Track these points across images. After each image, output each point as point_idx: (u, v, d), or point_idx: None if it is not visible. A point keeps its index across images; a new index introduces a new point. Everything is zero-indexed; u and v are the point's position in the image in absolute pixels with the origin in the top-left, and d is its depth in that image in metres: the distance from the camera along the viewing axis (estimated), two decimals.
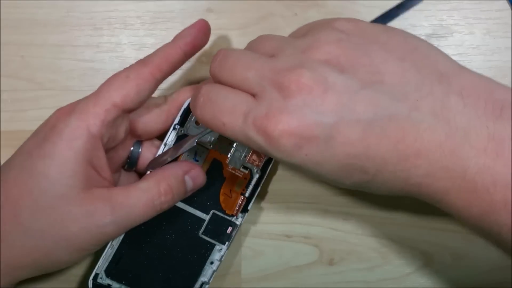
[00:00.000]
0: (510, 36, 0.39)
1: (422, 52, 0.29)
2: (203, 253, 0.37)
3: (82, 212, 0.31)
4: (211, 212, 0.37)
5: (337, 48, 0.28)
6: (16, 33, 0.39)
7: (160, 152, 0.36)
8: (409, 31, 0.39)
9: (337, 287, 0.39)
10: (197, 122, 0.36)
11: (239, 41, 0.39)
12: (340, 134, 0.27)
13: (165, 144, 0.36)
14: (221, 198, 0.37)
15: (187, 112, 0.35)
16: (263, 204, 0.40)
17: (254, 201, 0.37)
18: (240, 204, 0.37)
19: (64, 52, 0.39)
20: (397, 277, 0.39)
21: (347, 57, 0.28)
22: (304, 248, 0.40)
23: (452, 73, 0.29)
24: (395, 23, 0.40)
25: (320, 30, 0.29)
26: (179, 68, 0.39)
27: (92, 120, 0.32)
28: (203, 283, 0.37)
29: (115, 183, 0.36)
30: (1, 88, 0.39)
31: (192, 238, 0.37)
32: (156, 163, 0.35)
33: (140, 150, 0.36)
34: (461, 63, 0.39)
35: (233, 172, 0.37)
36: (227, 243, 0.37)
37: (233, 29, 0.39)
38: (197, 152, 0.36)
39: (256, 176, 0.37)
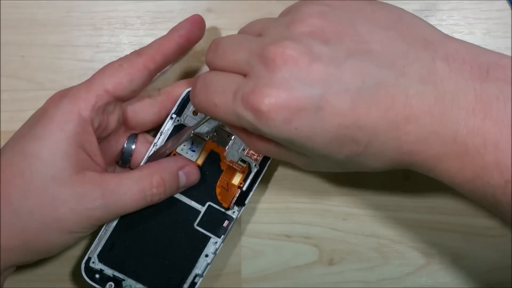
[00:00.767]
0: (510, 36, 0.39)
1: (407, 22, 0.29)
2: (198, 245, 0.37)
3: (72, 194, 0.32)
4: (207, 204, 0.37)
5: (321, 20, 0.28)
6: (16, 33, 0.39)
7: (156, 140, 0.36)
8: None
9: (337, 287, 0.39)
10: (194, 113, 0.36)
11: None
12: (329, 104, 0.27)
13: (161, 133, 0.36)
14: (218, 190, 0.37)
15: (185, 102, 0.36)
16: (263, 204, 0.40)
17: (251, 197, 0.37)
18: (235, 197, 0.37)
19: (64, 52, 0.39)
20: (397, 277, 0.39)
21: (332, 28, 0.28)
22: (304, 248, 0.39)
23: (437, 40, 0.29)
24: None
25: (304, 5, 0.29)
26: (179, 68, 0.39)
27: (83, 105, 0.33)
28: (196, 275, 0.36)
29: None
30: (1, 88, 0.39)
31: (187, 229, 0.36)
32: (155, 158, 0.36)
33: (133, 146, 0.36)
34: None
35: (231, 165, 0.37)
36: (222, 236, 0.37)
37: (233, 29, 0.39)
38: (194, 143, 0.36)
39: (255, 170, 0.37)
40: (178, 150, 0.36)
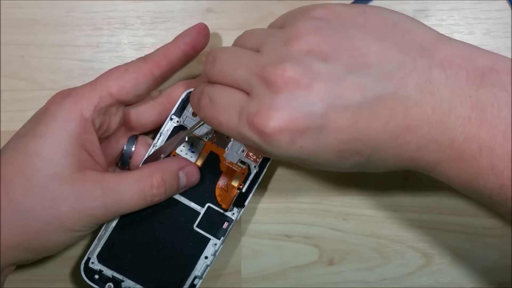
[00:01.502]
0: (510, 36, 0.39)
1: (402, 29, 0.29)
2: (197, 246, 0.36)
3: (73, 192, 0.32)
4: (207, 205, 0.37)
5: (318, 37, 0.28)
6: (16, 33, 0.39)
7: (155, 141, 0.36)
8: None
9: (337, 287, 0.39)
10: (194, 114, 0.36)
11: None
12: (331, 122, 0.27)
13: (161, 134, 0.36)
14: (217, 192, 0.37)
15: (185, 103, 0.36)
16: (263, 204, 0.39)
17: (251, 198, 0.37)
18: (234, 198, 0.37)
19: (64, 52, 0.39)
20: (397, 277, 0.39)
21: (329, 44, 0.28)
22: (304, 248, 0.39)
23: (433, 45, 0.29)
24: None
25: (298, 19, 0.29)
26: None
27: (86, 105, 0.33)
28: (195, 277, 0.36)
29: None
30: (1, 88, 0.39)
31: (187, 231, 0.36)
32: (152, 160, 0.36)
33: (133, 148, 0.36)
34: None
35: (230, 166, 0.37)
36: (222, 238, 0.36)
37: (233, 29, 0.39)
38: (193, 144, 0.36)
39: (254, 171, 0.37)
40: (178, 151, 0.36)
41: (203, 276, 0.36)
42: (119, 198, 0.33)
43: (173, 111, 0.36)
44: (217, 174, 0.37)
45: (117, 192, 0.33)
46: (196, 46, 0.36)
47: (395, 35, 0.29)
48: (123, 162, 0.37)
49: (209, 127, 0.36)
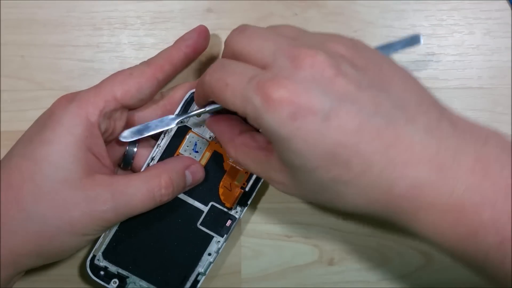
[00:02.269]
0: (510, 36, 0.39)
1: (421, 87, 0.30)
2: (201, 244, 0.37)
3: (84, 197, 0.32)
4: (210, 204, 0.37)
5: (352, 50, 0.29)
6: (16, 33, 0.39)
7: (159, 141, 0.36)
8: (409, 31, 0.39)
9: (337, 287, 0.39)
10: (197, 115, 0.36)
11: None
12: (337, 118, 0.27)
13: (165, 134, 0.36)
14: (221, 190, 0.37)
15: (189, 103, 0.36)
16: (264, 204, 0.40)
17: (254, 197, 0.37)
18: (238, 197, 0.37)
19: (64, 52, 0.39)
20: (397, 277, 0.39)
21: (361, 60, 0.28)
22: (304, 248, 0.40)
23: (441, 106, 0.30)
24: (395, 25, 0.40)
25: (336, 35, 0.30)
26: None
27: (92, 109, 0.33)
28: (199, 274, 0.37)
29: None
30: (1, 88, 0.39)
31: (190, 229, 0.37)
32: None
33: (135, 149, 0.37)
34: (461, 63, 0.40)
35: (234, 165, 0.37)
36: (225, 235, 0.37)
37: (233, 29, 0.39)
38: (197, 144, 0.37)
39: None
40: (181, 151, 0.37)
41: (206, 272, 0.37)
42: (129, 200, 0.33)
43: (176, 112, 0.36)
44: (221, 173, 0.37)
45: (126, 194, 0.33)
46: (197, 48, 0.36)
47: (416, 83, 0.30)
48: (125, 164, 0.37)
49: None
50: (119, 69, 0.34)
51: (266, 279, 0.39)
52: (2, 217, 0.32)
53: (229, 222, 0.37)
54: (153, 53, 0.36)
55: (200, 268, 0.37)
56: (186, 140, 0.36)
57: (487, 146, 0.28)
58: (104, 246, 0.36)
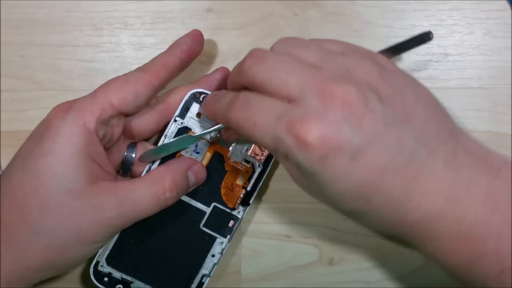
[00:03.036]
0: (510, 36, 0.39)
1: (440, 110, 0.31)
2: (204, 245, 0.37)
3: (90, 205, 0.32)
4: (212, 204, 0.37)
5: (378, 77, 0.29)
6: (16, 33, 0.39)
7: (160, 143, 0.36)
8: (409, 31, 0.39)
9: (337, 287, 0.39)
10: (197, 115, 0.36)
11: (239, 41, 0.39)
12: (364, 157, 0.27)
13: (165, 136, 0.36)
14: (223, 191, 0.37)
15: (188, 105, 0.36)
16: (264, 204, 0.40)
17: (255, 196, 0.37)
18: (240, 197, 0.37)
19: (64, 52, 0.39)
20: (397, 277, 0.39)
21: (385, 90, 0.29)
22: (304, 248, 0.40)
23: (459, 133, 0.30)
24: (395, 25, 0.40)
25: (363, 55, 0.30)
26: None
27: (89, 117, 0.32)
28: (204, 275, 0.37)
29: None
30: (1, 88, 0.39)
31: (193, 230, 0.37)
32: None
33: (133, 155, 0.37)
34: (461, 63, 0.40)
35: (235, 165, 0.37)
36: (228, 236, 0.37)
37: (233, 29, 0.39)
38: (198, 145, 0.37)
39: (258, 170, 0.37)
40: (182, 152, 0.37)
41: (211, 274, 0.37)
42: (135, 205, 0.33)
43: (176, 113, 0.36)
44: (222, 173, 0.37)
45: (132, 199, 0.33)
46: (192, 53, 0.36)
47: (436, 112, 0.30)
48: (124, 170, 0.37)
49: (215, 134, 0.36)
50: (119, 69, 0.34)
51: (266, 279, 0.39)
52: (9, 234, 0.31)
53: (231, 223, 0.37)
54: (153, 53, 0.36)
55: (204, 270, 0.37)
56: None
57: (499, 178, 0.29)
58: (107, 252, 0.36)
